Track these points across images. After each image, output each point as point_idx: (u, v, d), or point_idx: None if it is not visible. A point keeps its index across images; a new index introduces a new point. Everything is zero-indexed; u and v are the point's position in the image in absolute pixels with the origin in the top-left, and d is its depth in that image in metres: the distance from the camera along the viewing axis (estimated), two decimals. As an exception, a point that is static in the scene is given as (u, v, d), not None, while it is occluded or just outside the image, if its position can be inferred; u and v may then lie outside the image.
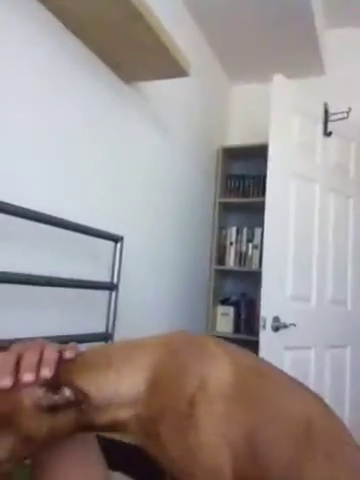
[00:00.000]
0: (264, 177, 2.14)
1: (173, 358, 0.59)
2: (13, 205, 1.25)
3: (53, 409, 0.54)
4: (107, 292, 1.71)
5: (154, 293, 2.18)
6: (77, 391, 0.55)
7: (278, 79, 2.17)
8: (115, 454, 0.67)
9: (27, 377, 0.54)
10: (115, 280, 1.72)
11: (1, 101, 1.29)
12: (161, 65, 1.69)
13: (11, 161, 1.33)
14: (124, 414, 0.57)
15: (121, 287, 1.76)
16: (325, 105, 2.40)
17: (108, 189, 1.80)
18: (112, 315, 1.70)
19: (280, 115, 2.16)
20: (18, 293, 1.33)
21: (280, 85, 2.18)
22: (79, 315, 1.60)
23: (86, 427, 0.58)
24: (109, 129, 1.80)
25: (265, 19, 2.44)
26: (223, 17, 2.48)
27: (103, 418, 0.57)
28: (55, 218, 1.40)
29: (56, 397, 0.54)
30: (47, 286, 1.40)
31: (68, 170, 1.57)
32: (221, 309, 2.80)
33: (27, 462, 0.64)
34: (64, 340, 0.93)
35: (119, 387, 0.57)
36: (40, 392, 0.54)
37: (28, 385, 0.54)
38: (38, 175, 1.43)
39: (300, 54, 2.71)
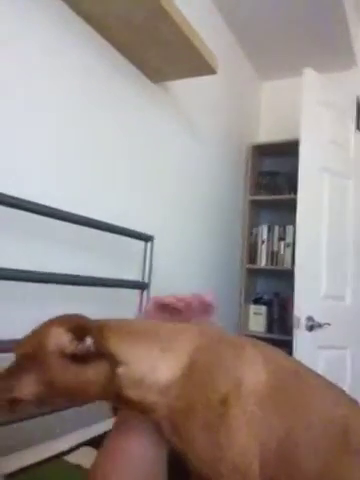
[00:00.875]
0: (295, 174, 2.10)
1: (210, 353, 0.60)
2: (47, 206, 1.26)
3: (76, 358, 0.57)
4: (138, 291, 1.72)
5: (185, 292, 2.17)
6: (100, 345, 0.57)
7: (308, 73, 2.14)
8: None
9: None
10: (146, 279, 1.73)
11: (36, 103, 1.31)
12: (188, 63, 1.68)
13: (44, 162, 1.35)
14: (154, 397, 0.57)
15: (152, 286, 1.76)
16: (357, 98, 2.34)
17: (138, 188, 1.81)
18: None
19: (311, 110, 2.12)
20: (49, 291, 1.35)
21: (310, 79, 2.14)
22: (111, 314, 1.60)
23: (115, 399, 0.59)
24: (138, 129, 1.81)
25: (295, 13, 2.39)
26: (252, 13, 2.45)
27: (132, 393, 0.57)
28: (86, 218, 1.41)
29: (79, 345, 0.57)
30: (79, 285, 1.41)
31: (99, 170, 1.59)
32: (254, 308, 2.77)
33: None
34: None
35: (158, 365, 0.58)
36: (66, 338, 0.57)
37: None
38: (69, 176, 1.45)
39: (331, 47, 2.65)
